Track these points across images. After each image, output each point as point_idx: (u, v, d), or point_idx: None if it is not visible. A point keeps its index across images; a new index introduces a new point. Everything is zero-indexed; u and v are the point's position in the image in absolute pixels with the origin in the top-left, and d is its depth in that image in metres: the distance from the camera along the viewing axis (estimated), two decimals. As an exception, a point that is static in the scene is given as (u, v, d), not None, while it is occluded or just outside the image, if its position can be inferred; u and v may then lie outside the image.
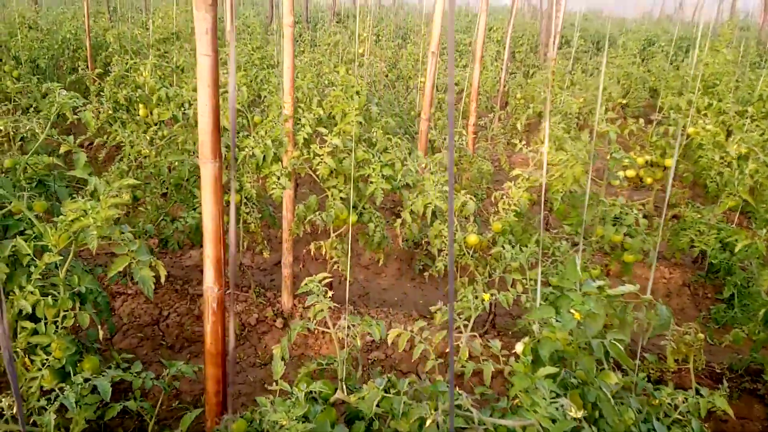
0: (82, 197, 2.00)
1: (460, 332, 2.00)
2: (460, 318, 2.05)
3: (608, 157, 3.42)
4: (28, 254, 1.92)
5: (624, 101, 7.65)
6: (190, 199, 3.73)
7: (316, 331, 3.55)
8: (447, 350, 2.02)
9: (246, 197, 3.80)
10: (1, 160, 2.85)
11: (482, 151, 6.23)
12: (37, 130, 2.70)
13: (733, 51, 7.77)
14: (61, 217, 1.92)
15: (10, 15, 7.87)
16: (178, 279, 4.16)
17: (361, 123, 3.58)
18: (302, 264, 4.48)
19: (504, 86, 8.55)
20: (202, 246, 4.20)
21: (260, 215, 3.89)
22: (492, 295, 2.16)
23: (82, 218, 1.81)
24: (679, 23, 17.82)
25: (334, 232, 3.70)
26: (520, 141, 4.11)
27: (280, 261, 4.47)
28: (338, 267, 3.62)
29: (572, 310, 1.68)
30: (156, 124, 4.73)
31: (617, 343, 1.78)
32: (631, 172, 4.58)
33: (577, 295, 1.75)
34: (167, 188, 3.84)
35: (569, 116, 5.51)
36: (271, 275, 4.60)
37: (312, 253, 3.67)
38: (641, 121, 4.67)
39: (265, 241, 4.03)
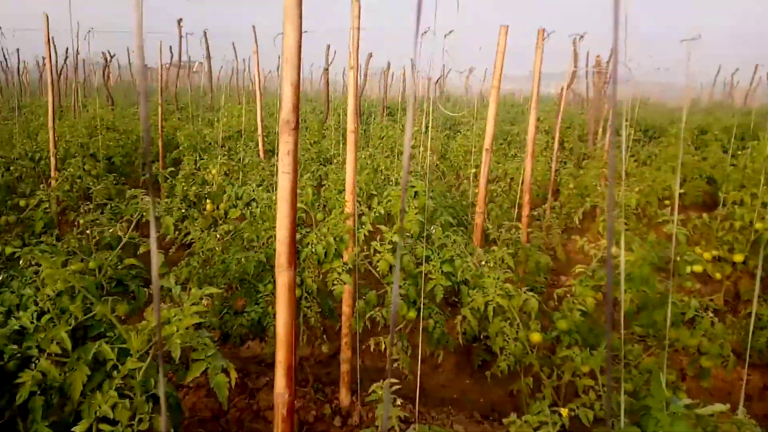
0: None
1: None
2: (537, 433, 1.96)
3: (677, 259, 3.34)
4: (112, 359, 2.00)
5: (682, 191, 7.52)
6: (253, 293, 3.82)
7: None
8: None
9: (307, 291, 3.86)
10: (78, 259, 3.04)
11: (537, 242, 6.18)
12: (120, 233, 2.89)
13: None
14: (143, 322, 2.01)
15: (89, 117, 8.62)
16: (237, 371, 4.16)
17: (420, 221, 3.66)
18: (362, 359, 4.44)
19: (555, 175, 8.60)
20: (261, 339, 4.24)
21: (320, 309, 3.93)
22: (571, 410, 2.07)
23: (165, 326, 1.89)
24: (732, 110, 17.72)
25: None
26: (581, 237, 4.07)
27: (337, 353, 4.45)
28: (398, 365, 3.57)
29: (661, 432, 1.60)
30: (221, 219, 4.97)
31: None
32: (698, 267, 4.41)
33: (664, 415, 1.67)
34: (232, 282, 3.95)
35: (628, 209, 5.45)
36: (327, 368, 4.56)
37: (371, 348, 3.65)
38: (705, 215, 4.57)
39: (324, 335, 4.04)
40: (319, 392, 3.95)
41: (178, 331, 1.87)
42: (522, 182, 6.24)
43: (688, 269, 3.96)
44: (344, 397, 3.88)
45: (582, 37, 8.03)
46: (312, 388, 3.92)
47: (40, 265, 2.54)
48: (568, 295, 3.53)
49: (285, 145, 2.07)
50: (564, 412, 1.96)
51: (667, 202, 7.46)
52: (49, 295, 2.27)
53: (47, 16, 5.60)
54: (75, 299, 2.30)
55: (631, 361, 2.86)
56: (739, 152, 8.63)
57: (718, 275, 4.56)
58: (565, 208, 7.27)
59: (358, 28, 3.87)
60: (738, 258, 4.53)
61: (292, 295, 2.09)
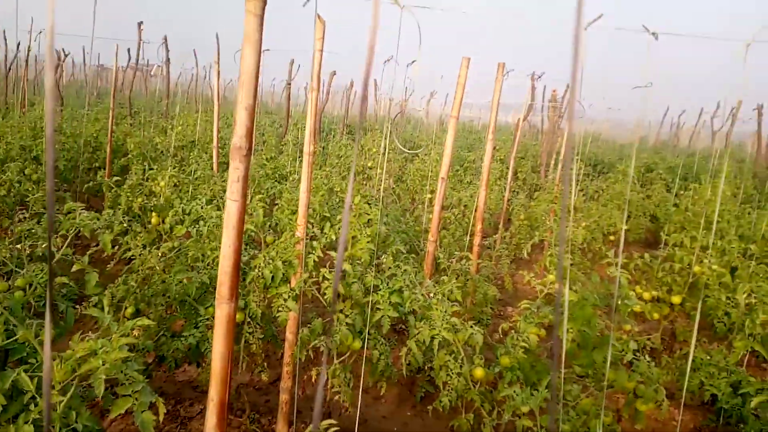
0: (90, 330, 1.97)
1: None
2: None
3: (618, 302, 3.42)
4: (30, 391, 1.86)
5: (626, 227, 7.78)
6: (193, 316, 3.68)
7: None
8: None
9: (250, 316, 3.75)
10: (7, 270, 2.86)
11: (486, 271, 6.25)
12: (53, 248, 2.73)
13: (730, 185, 8.04)
14: (69, 351, 1.88)
15: (35, 117, 8.25)
16: (170, 397, 4.00)
17: (372, 250, 3.62)
18: (302, 389, 4.33)
19: (507, 205, 8.76)
20: (198, 364, 4.08)
21: (262, 335, 3.82)
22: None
23: (91, 359, 1.78)
24: (677, 150, 18.57)
25: (337, 358, 3.61)
26: (529, 269, 4.13)
27: (278, 381, 4.33)
28: (339, 397, 3.50)
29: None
30: (166, 234, 4.80)
31: None
32: (637, 307, 4.55)
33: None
34: (171, 303, 3.80)
35: (574, 244, 5.58)
36: (266, 395, 4.43)
37: (313, 379, 3.57)
38: (647, 255, 4.72)
39: (265, 363, 3.92)
40: (255, 423, 3.83)
41: (104, 365, 1.76)
42: (475, 210, 6.32)
43: (629, 309, 4.07)
44: (281, 428, 3.77)
45: (540, 77, 8.29)
46: (248, 418, 3.79)
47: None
48: (513, 331, 3.56)
49: (235, 171, 2.00)
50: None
51: (611, 237, 7.70)
52: (-34, 316, 2.11)
53: (-5, 11, 5.35)
54: (-4, 321, 2.14)
55: (570, 402, 2.89)
56: (682, 192, 9.03)
57: (656, 315, 4.70)
58: (515, 239, 7.39)
59: (321, 50, 3.84)
60: (676, 300, 4.68)
61: (231, 328, 2.01)
